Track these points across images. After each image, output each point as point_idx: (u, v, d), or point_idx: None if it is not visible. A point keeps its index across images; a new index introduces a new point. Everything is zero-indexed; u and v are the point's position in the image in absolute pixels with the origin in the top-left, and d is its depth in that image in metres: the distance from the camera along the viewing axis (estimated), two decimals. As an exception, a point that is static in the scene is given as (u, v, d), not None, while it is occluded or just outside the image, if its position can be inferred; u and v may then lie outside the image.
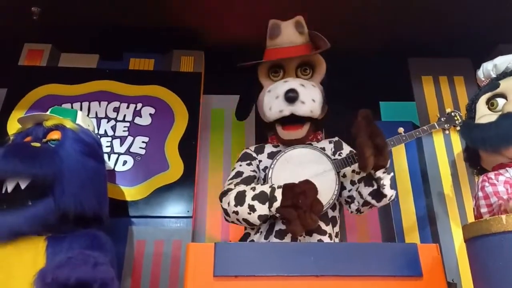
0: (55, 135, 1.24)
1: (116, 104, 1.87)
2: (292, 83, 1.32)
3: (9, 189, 1.10)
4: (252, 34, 2.03)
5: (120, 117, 1.84)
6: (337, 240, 1.32)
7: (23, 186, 1.11)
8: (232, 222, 1.27)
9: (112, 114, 1.85)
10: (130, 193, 1.68)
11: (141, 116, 1.85)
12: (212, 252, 1.00)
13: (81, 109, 1.84)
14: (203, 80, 1.98)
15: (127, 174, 1.72)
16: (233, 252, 1.01)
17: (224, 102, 2.03)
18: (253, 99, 1.44)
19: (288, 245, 1.12)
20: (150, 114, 1.86)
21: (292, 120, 1.33)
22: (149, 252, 1.60)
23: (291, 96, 1.28)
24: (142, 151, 1.78)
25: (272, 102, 1.33)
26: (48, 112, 1.34)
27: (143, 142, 1.79)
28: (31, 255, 1.08)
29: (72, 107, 1.83)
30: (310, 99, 1.31)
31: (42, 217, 1.11)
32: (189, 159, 1.77)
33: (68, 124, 1.28)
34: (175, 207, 1.67)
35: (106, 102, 1.87)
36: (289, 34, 1.38)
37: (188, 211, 1.67)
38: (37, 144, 1.21)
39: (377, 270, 1.02)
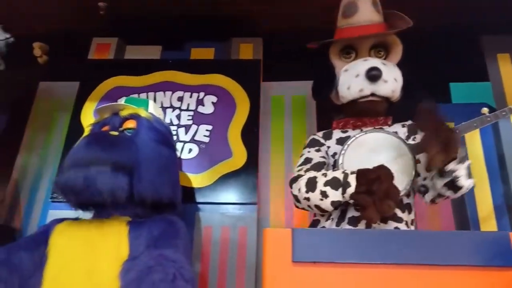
0: (131, 124, 1.29)
1: (180, 93, 1.92)
2: (374, 61, 1.28)
3: (93, 176, 1.17)
4: (309, 18, 2.01)
5: (184, 106, 1.88)
6: (412, 227, 1.26)
7: (105, 172, 1.17)
8: (303, 208, 1.26)
9: (176, 104, 1.89)
10: (196, 180, 1.72)
11: (203, 105, 1.88)
12: (290, 238, 0.99)
13: (147, 100, 1.91)
14: (262, 67, 1.97)
15: (193, 161, 1.76)
16: (311, 238, 1.00)
17: (283, 88, 2.00)
18: (329, 79, 1.39)
19: (369, 231, 1.09)
20: (213, 103, 1.88)
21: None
22: (216, 238, 1.63)
23: (374, 74, 1.23)
24: (206, 139, 1.81)
25: (351, 81, 1.29)
26: (123, 102, 1.40)
27: (207, 130, 1.82)
28: (115, 239, 1.14)
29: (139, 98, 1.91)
30: (393, 78, 1.26)
31: (118, 184, 1.15)
32: (251, 146, 1.77)
33: (143, 113, 1.33)
34: (240, 194, 1.69)
35: (171, 92, 1.92)
36: (366, 12, 1.33)
37: (252, 198, 1.68)
38: (115, 133, 1.26)
39: (464, 259, 0.96)
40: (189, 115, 1.87)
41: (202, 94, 1.91)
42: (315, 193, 1.16)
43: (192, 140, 1.81)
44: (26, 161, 1.91)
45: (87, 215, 1.31)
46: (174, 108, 1.88)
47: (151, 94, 1.92)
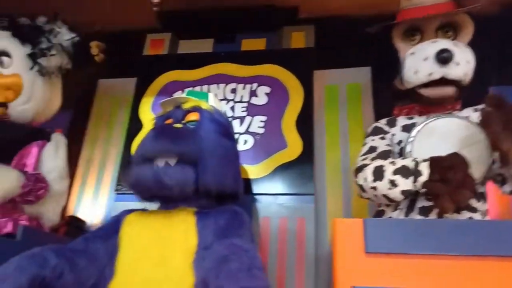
0: (194, 116, 1.31)
1: (233, 85, 1.93)
2: (444, 42, 1.20)
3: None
4: (362, 3, 1.94)
5: (237, 98, 1.89)
6: (487, 218, 1.19)
7: (171, 164, 1.20)
8: (368, 198, 1.22)
9: (230, 96, 1.91)
10: (253, 171, 1.73)
11: (257, 96, 1.88)
12: (361, 228, 0.97)
13: (201, 93, 1.94)
14: (314, 56, 1.93)
15: (249, 152, 1.77)
16: (383, 228, 0.97)
17: (337, 77, 1.95)
18: (392, 63, 1.33)
19: (444, 222, 1.04)
20: (266, 93, 1.88)
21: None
22: (274, 229, 1.63)
23: (445, 57, 1.17)
24: (261, 130, 1.81)
25: (419, 65, 1.22)
26: (184, 95, 1.42)
27: (261, 121, 1.82)
28: (183, 229, 1.16)
29: (193, 91, 1.94)
30: (465, 60, 1.19)
31: (185, 177, 1.17)
32: (307, 137, 1.75)
33: (204, 105, 1.34)
34: (296, 185, 1.67)
35: (224, 84, 1.94)
36: (431, -9, 1.25)
37: (310, 189, 1.66)
38: (179, 125, 1.29)
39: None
40: (243, 107, 1.87)
41: (255, 85, 1.91)
42: (383, 182, 1.12)
43: (247, 132, 1.82)
44: (90, 155, 2.01)
45: (154, 206, 1.35)
46: (228, 100, 1.90)
47: (205, 87, 1.95)
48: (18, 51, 1.53)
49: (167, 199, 1.27)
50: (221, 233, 1.12)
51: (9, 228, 1.34)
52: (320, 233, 1.63)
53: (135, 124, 1.93)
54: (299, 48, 1.96)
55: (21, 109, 1.53)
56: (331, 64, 1.96)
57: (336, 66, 1.96)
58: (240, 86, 1.92)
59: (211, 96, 1.47)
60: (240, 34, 2.07)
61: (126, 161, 1.86)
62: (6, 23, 1.56)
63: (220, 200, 1.30)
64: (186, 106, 1.34)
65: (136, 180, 1.19)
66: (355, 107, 1.88)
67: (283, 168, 1.71)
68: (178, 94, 1.94)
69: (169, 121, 1.36)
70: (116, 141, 2.02)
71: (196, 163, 1.21)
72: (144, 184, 1.17)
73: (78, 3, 2.07)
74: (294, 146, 1.74)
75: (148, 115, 1.94)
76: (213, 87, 1.94)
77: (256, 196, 1.70)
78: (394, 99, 1.41)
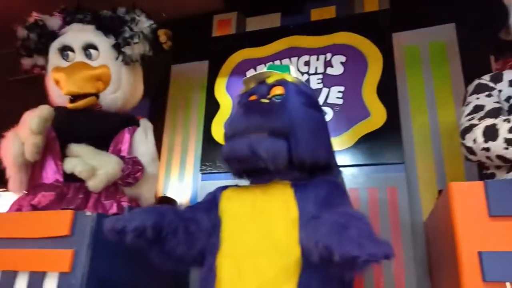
0: (279, 90, 1.29)
1: (306, 58, 1.88)
2: None
3: (253, 143, 1.20)
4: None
5: (312, 70, 1.85)
6: None
7: (263, 139, 1.19)
8: (478, 160, 1.14)
9: (304, 69, 1.87)
10: (336, 143, 1.67)
11: (332, 66, 1.82)
12: (482, 191, 0.90)
13: (274, 68, 1.92)
14: (390, 17, 1.82)
15: (329, 125, 1.71)
16: (507, 190, 0.89)
17: (417, 37, 1.82)
18: (498, 13, 1.21)
19: None
20: (341, 63, 1.81)
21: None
22: (364, 200, 1.59)
23: None
24: (340, 101, 1.75)
25: None
26: (265, 69, 1.41)
27: (339, 92, 1.77)
28: (282, 201, 1.17)
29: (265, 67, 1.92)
30: None
31: (278, 149, 1.16)
32: (390, 103, 1.67)
33: (289, 78, 1.32)
34: (383, 154, 1.61)
35: (296, 58, 1.90)
36: None
37: (399, 157, 1.59)
38: (266, 100, 1.28)
39: None
40: (318, 79, 1.83)
41: (329, 55, 1.85)
42: (497, 142, 1.03)
43: (326, 104, 1.77)
44: (172, 139, 2.09)
45: (246, 182, 1.37)
46: (302, 73, 1.86)
47: (277, 62, 1.93)
48: (104, 43, 1.60)
49: (260, 173, 1.28)
50: (325, 203, 1.10)
51: (114, 209, 1.44)
52: (413, 202, 1.57)
53: (212, 106, 1.97)
54: (374, 11, 1.85)
55: (111, 98, 1.61)
56: (409, 24, 1.84)
57: (415, 26, 1.83)
58: (314, 57, 1.87)
59: (292, 68, 1.44)
60: (308, 4, 2.00)
61: (207, 142, 1.91)
62: (89, 17, 1.63)
63: (313, 172, 1.28)
64: (270, 80, 1.32)
65: (230, 153, 1.20)
66: (440, 68, 1.75)
67: (368, 138, 1.65)
68: (251, 73, 1.95)
69: (253, 97, 1.35)
70: (195, 123, 2.07)
71: (288, 137, 1.20)
72: (238, 156, 1.17)
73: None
74: (377, 114, 1.67)
75: (223, 95, 1.97)
76: (285, 61, 1.91)
77: (342, 168, 1.66)
78: (496, 52, 1.28)
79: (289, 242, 1.12)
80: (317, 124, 1.29)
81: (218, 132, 1.91)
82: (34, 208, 1.35)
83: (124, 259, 1.31)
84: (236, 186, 1.34)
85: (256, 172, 1.30)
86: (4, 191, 2.22)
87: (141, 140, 1.63)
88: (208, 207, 1.28)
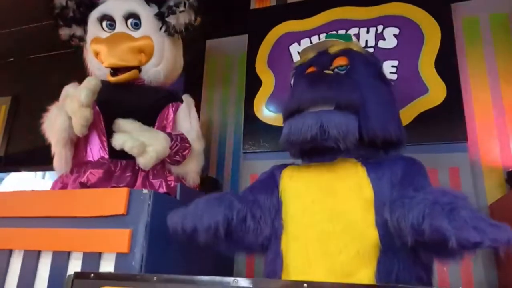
0: (342, 61, 1.19)
1: (354, 30, 1.77)
2: None
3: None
4: None
5: (361, 44, 1.73)
6: None
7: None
8: None
9: (353, 42, 1.76)
10: (390, 120, 1.60)
11: (384, 39, 1.71)
12: None
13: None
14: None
15: (383, 101, 1.63)
16: None
17: (477, 7, 1.70)
18: None
19: None
20: (395, 35, 1.70)
21: None
22: (421, 180, 1.50)
23: None
24: (394, 76, 1.65)
25: None
26: (325, 39, 1.31)
27: (392, 66, 1.66)
28: (354, 180, 1.09)
29: (310, 41, 1.82)
30: None
31: (349, 125, 1.08)
32: (450, 79, 1.56)
33: (355, 47, 1.22)
34: (445, 132, 1.52)
35: (344, 30, 1.78)
36: None
37: (462, 136, 1.49)
38: (329, 72, 1.19)
39: None
40: (369, 53, 1.72)
41: (380, 28, 1.73)
42: None
43: (378, 79, 1.67)
44: (210, 117, 2.00)
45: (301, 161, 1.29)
46: (351, 47, 1.75)
47: (323, 35, 1.80)
48: (146, 13, 1.50)
49: (322, 151, 1.19)
50: (404, 183, 1.02)
51: (163, 188, 1.37)
52: (477, 184, 1.48)
53: (253, 82, 1.87)
54: (429, -21, 1.73)
55: (154, 71, 1.52)
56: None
57: (472, -4, 1.71)
58: (363, 30, 1.75)
59: (354, 38, 1.34)
60: (355, -27, 1.88)
61: (249, 120, 1.82)
62: (130, -15, 1.53)
63: (382, 148, 1.19)
64: (333, 50, 1.22)
65: (296, 132, 1.10)
66: (503, 39, 1.63)
67: (427, 115, 1.55)
68: (295, 47, 1.84)
69: (312, 69, 1.25)
70: (233, 100, 1.98)
71: (357, 111, 1.11)
72: (306, 136, 1.07)
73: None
74: (436, 90, 1.57)
75: (265, 71, 1.87)
76: (332, 34, 1.80)
77: (396, 147, 1.57)
78: None
79: (364, 224, 1.03)
80: (387, 97, 1.20)
81: (260, 109, 1.82)
82: (83, 185, 1.28)
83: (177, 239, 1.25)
84: (296, 164, 1.26)
85: (317, 150, 1.21)
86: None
87: (185, 117, 1.55)
88: (268, 188, 1.20)
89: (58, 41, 2.77)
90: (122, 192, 1.15)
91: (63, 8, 1.50)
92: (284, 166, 1.26)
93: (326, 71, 1.20)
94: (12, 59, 3.08)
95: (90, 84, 1.25)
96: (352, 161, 1.14)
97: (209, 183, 1.72)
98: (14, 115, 2.91)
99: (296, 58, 1.82)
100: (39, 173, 2.13)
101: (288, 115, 1.17)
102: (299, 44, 1.83)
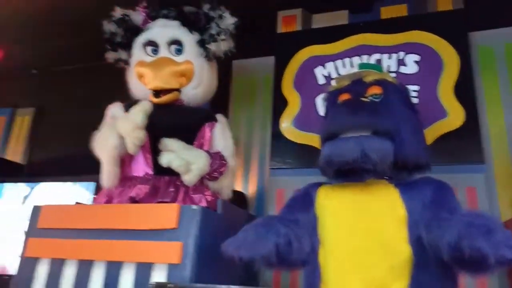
0: (377, 89, 1.30)
1: (377, 56, 1.89)
2: None
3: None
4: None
5: (384, 69, 1.85)
6: None
7: (365, 138, 1.21)
8: None
9: (376, 67, 1.87)
10: (412, 142, 1.70)
11: (406, 65, 1.83)
12: None
13: (344, 66, 1.93)
14: (465, 17, 1.82)
15: (405, 124, 1.74)
16: None
17: (491, 38, 1.82)
18: None
19: None
20: (415, 62, 1.82)
21: None
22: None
23: None
24: (415, 100, 1.76)
25: None
26: (357, 69, 1.42)
27: (414, 91, 1.77)
28: (388, 200, 1.19)
29: (335, 65, 1.94)
30: None
31: (386, 150, 1.18)
32: (469, 104, 1.68)
33: (389, 78, 1.33)
34: (462, 154, 1.63)
35: (367, 56, 1.90)
36: None
37: (479, 157, 1.60)
38: (365, 99, 1.30)
39: None
40: (391, 77, 1.83)
41: (402, 54, 1.85)
42: None
43: (400, 103, 1.78)
44: (235, 134, 2.10)
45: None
46: (374, 72, 1.86)
47: (346, 60, 1.93)
48: (188, 39, 1.61)
49: (354, 172, 1.29)
50: (435, 205, 1.13)
51: (203, 203, 1.47)
52: (493, 201, 1.58)
53: (279, 102, 1.98)
54: (448, 11, 1.85)
55: (193, 93, 1.63)
56: (484, 23, 1.83)
57: (490, 26, 1.83)
58: (385, 56, 1.87)
59: (384, 68, 1.45)
60: (378, 2, 2.00)
61: (276, 138, 1.93)
62: (174, 13, 1.65)
63: (409, 171, 1.30)
64: (368, 79, 1.34)
65: (337, 154, 1.20)
66: (517, 69, 1.75)
67: (446, 138, 1.66)
68: (320, 70, 1.96)
69: (346, 95, 1.36)
70: (259, 118, 2.09)
71: (391, 137, 1.22)
72: (347, 158, 1.18)
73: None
74: (455, 115, 1.68)
75: (291, 91, 1.98)
76: (355, 59, 1.92)
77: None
78: None
79: (398, 241, 1.14)
80: (417, 125, 1.31)
81: (287, 128, 1.93)
82: (132, 200, 1.38)
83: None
84: (329, 183, 1.36)
85: (351, 171, 1.31)
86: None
87: (220, 135, 1.66)
88: (304, 206, 1.31)
89: (80, 55, 2.91)
90: (173, 208, 1.25)
91: (112, 34, 1.62)
92: (318, 184, 1.36)
93: (363, 99, 1.31)
94: (35, 71, 3.20)
95: (144, 108, 1.35)
96: (384, 182, 1.25)
97: (238, 197, 1.82)
98: (37, 126, 3.02)
99: (321, 80, 1.95)
100: (69, 184, 2.22)
101: (327, 138, 1.27)
102: (324, 67, 1.95)
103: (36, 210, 1.40)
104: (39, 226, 1.35)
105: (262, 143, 2.03)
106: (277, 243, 1.08)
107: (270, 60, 2.10)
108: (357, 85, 1.35)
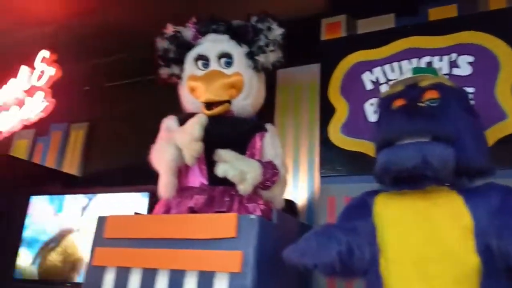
0: (434, 94, 1.27)
1: (427, 59, 1.84)
2: None
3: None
4: None
5: (435, 71, 1.81)
6: None
7: (424, 144, 1.18)
8: None
9: (426, 70, 1.83)
10: (469, 146, 1.64)
11: (459, 67, 1.77)
12: None
13: (392, 70, 1.90)
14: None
15: (461, 127, 1.68)
16: None
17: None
18: None
19: None
20: (469, 63, 1.76)
21: None
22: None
23: None
24: (471, 102, 1.70)
25: None
26: (410, 74, 1.40)
27: (469, 93, 1.71)
28: (452, 208, 1.15)
29: (383, 70, 1.91)
30: None
31: (448, 156, 1.14)
32: (530, 104, 1.60)
33: (447, 82, 1.30)
34: (525, 158, 1.55)
35: (417, 59, 1.86)
36: None
37: (544, 161, 1.52)
38: (422, 104, 1.27)
39: None
40: (443, 80, 1.78)
41: (454, 56, 1.79)
42: None
43: (455, 106, 1.73)
44: (283, 143, 2.12)
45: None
46: (424, 75, 1.82)
47: (395, 64, 1.90)
48: (238, 52, 1.66)
49: (412, 180, 1.26)
50: (504, 212, 1.08)
51: (258, 212, 1.49)
52: None
53: (326, 108, 1.98)
54: (502, 9, 1.78)
55: (243, 104, 1.67)
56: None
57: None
58: (436, 58, 1.83)
59: (439, 71, 1.42)
60: (424, 4, 1.96)
61: (325, 146, 1.92)
62: (223, 27, 1.70)
63: (472, 177, 1.26)
64: (424, 83, 1.31)
65: (396, 162, 1.18)
66: None
67: (506, 141, 1.59)
68: (367, 75, 1.94)
69: (401, 101, 1.33)
70: (306, 127, 2.10)
71: (452, 142, 1.18)
72: (406, 165, 1.16)
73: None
74: (516, 116, 1.61)
75: (338, 98, 1.97)
76: (404, 63, 1.88)
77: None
78: None
79: (464, 250, 1.10)
80: (478, 128, 1.27)
81: (335, 135, 1.92)
82: (191, 210, 1.43)
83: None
84: (386, 191, 1.34)
85: (408, 178, 1.28)
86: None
87: (270, 145, 1.68)
88: (361, 214, 1.29)
89: (129, 71, 3.05)
90: (231, 218, 1.28)
91: (165, 51, 1.69)
92: (375, 192, 1.35)
93: (420, 104, 1.28)
94: (88, 87, 3.39)
95: (201, 120, 1.40)
96: (445, 189, 1.22)
97: (288, 205, 1.82)
98: (91, 139, 3.19)
99: (369, 86, 1.92)
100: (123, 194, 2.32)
101: (383, 145, 1.26)
102: (372, 73, 1.93)
103: (101, 220, 1.48)
104: (105, 236, 1.42)
105: (310, 151, 2.04)
106: (340, 251, 1.08)
107: (315, 68, 2.11)
108: (412, 90, 1.33)
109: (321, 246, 1.10)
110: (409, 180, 1.28)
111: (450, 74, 1.77)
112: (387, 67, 1.91)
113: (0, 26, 2.60)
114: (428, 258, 1.13)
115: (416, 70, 1.40)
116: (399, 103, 1.34)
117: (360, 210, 1.31)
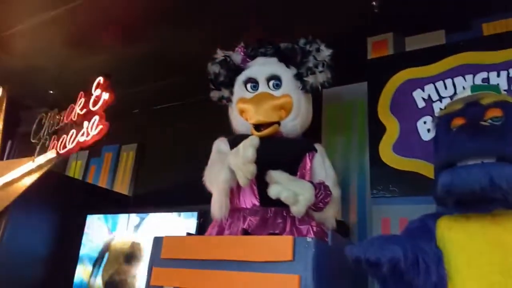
0: (497, 112, 1.22)
1: (483, 74, 1.77)
2: None
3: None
4: None
5: (492, 87, 1.74)
6: None
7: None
8: None
9: (482, 86, 1.76)
10: None
11: (518, 82, 1.70)
12: None
13: (445, 87, 1.85)
14: None
15: None
16: None
17: None
18: None
19: None
20: (529, 78, 1.68)
21: None
22: None
23: None
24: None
25: None
26: (468, 92, 1.35)
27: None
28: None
29: (435, 87, 1.86)
30: None
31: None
32: None
33: (509, 99, 1.25)
34: None
35: (471, 75, 1.80)
36: None
37: None
38: (485, 123, 1.22)
39: None
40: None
41: (512, 70, 1.72)
42: None
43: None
44: (332, 162, 2.10)
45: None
46: (481, 91, 1.75)
47: (448, 80, 1.85)
48: (286, 74, 1.68)
49: (476, 202, 1.20)
50: None
51: (311, 234, 1.48)
52: None
53: (376, 127, 1.94)
54: None
55: (291, 125, 1.68)
56: None
57: None
58: (493, 74, 1.75)
59: (500, 88, 1.36)
60: (476, 19, 1.90)
61: (376, 166, 1.88)
62: (271, 50, 1.74)
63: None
64: (486, 101, 1.26)
65: (460, 183, 1.14)
66: None
67: None
68: (419, 93, 1.90)
69: (461, 119, 1.29)
70: (355, 145, 2.07)
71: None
72: (473, 187, 1.11)
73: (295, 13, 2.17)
74: None
75: (388, 117, 1.94)
76: (458, 79, 1.82)
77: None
78: None
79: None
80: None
81: (387, 154, 1.87)
82: (245, 232, 1.44)
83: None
84: (449, 214, 1.28)
85: (472, 201, 1.22)
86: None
87: (320, 165, 1.67)
88: (425, 236, 1.24)
89: (176, 94, 3.16)
90: (288, 240, 1.27)
91: (215, 75, 1.75)
92: (436, 215, 1.29)
93: (483, 123, 1.23)
94: (137, 110, 3.54)
95: (254, 143, 1.42)
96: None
97: (340, 226, 1.79)
98: (140, 160, 3.31)
99: (421, 104, 1.88)
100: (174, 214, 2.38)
101: (444, 166, 1.21)
102: (423, 90, 1.88)
103: (158, 241, 1.52)
104: (162, 256, 1.46)
105: (360, 170, 2.00)
106: (406, 253, 1.05)
107: (361, 86, 2.09)
108: (473, 108, 1.28)
109: (387, 244, 1.07)
110: (474, 203, 1.23)
111: (509, 90, 1.69)
112: (439, 84, 1.85)
113: (61, 57, 2.80)
114: (501, 286, 1.07)
115: (475, 87, 1.35)
116: (459, 121, 1.30)
117: (422, 233, 1.26)
